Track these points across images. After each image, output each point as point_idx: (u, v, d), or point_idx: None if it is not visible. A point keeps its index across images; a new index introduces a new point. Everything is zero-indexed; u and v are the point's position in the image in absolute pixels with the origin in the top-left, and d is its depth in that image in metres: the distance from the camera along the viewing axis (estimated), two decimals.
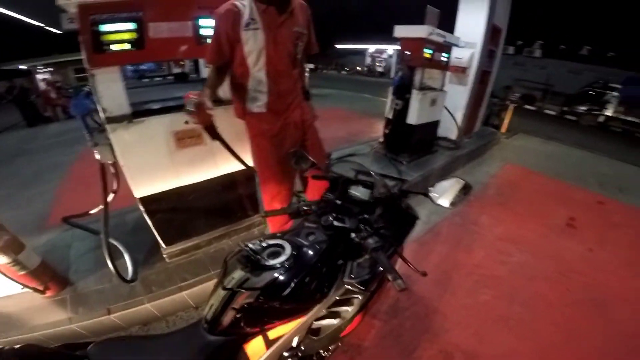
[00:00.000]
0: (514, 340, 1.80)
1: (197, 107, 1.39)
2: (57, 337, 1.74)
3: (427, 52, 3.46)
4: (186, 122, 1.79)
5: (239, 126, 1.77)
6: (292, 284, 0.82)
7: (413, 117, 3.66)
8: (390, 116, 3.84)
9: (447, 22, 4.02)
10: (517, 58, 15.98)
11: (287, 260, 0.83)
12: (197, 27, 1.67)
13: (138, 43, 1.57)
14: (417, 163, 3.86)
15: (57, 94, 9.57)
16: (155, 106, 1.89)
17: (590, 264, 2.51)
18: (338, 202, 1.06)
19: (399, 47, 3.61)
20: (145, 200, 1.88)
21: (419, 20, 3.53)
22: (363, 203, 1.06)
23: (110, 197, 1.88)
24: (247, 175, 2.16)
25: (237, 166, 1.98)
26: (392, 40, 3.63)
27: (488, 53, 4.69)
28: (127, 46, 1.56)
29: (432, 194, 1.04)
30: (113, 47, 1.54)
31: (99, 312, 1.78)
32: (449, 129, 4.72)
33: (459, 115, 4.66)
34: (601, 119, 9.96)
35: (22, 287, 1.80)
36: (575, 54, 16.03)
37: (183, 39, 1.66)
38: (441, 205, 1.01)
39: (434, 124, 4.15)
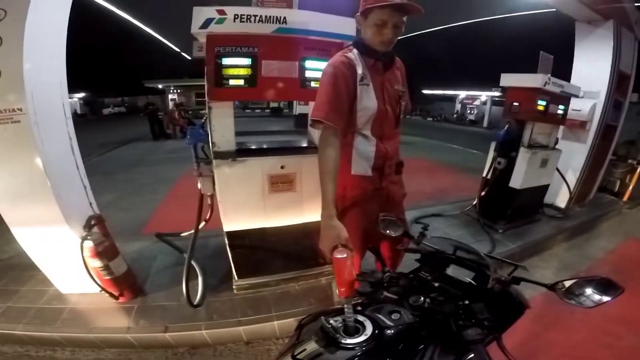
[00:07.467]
0: None
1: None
2: (110, 342, 1.82)
3: (541, 104, 3.04)
4: (282, 167, 1.84)
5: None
6: None
7: (518, 180, 3.13)
8: (488, 176, 3.26)
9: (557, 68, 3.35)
10: None
11: (366, 341, 0.76)
12: (302, 69, 1.76)
13: (251, 80, 1.71)
14: (515, 232, 3.25)
15: (179, 115, 11.24)
16: (256, 147, 2.01)
17: None
18: (436, 284, 0.95)
19: (496, 94, 3.23)
20: (231, 235, 1.96)
21: (513, 67, 3.15)
22: (463, 287, 0.94)
23: (202, 224, 2.02)
24: None
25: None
26: (485, 86, 3.28)
27: (614, 104, 3.92)
28: (242, 82, 1.71)
29: (561, 289, 0.87)
30: (231, 82, 1.70)
31: (156, 328, 1.83)
32: (557, 195, 3.98)
33: (573, 179, 3.90)
34: None
35: (100, 289, 1.94)
36: None
37: (289, 80, 1.75)
38: (570, 302, 0.84)
39: (542, 189, 3.50)
